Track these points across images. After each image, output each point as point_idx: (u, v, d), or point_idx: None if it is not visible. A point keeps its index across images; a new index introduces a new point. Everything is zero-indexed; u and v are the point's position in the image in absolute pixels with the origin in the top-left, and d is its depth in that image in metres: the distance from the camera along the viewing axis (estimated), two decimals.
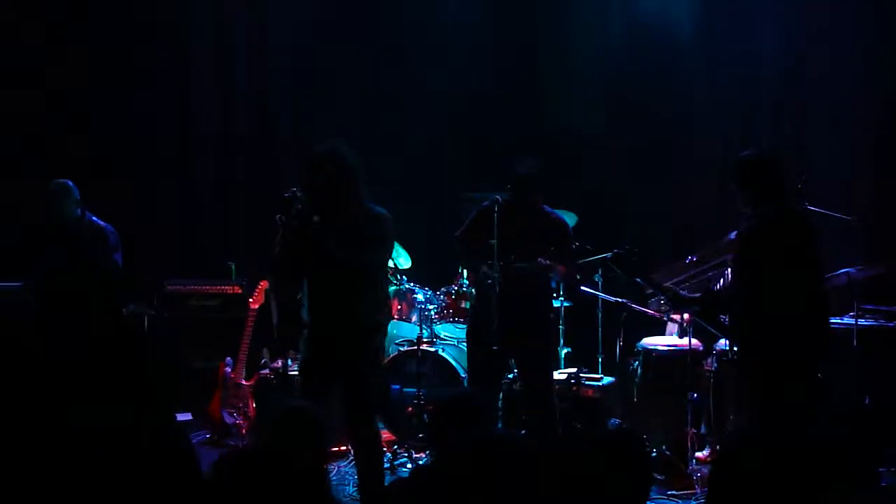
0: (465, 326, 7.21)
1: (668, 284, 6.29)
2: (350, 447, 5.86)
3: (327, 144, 5.58)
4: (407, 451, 7.34)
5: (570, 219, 7.46)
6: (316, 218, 5.46)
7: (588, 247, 6.32)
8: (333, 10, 9.22)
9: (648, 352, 7.26)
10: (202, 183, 9.17)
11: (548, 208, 6.57)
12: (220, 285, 8.05)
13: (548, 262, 6.25)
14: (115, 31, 8.98)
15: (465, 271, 7.74)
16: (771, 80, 8.55)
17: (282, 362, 7.38)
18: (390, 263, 7.86)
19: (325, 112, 9.03)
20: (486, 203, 6.51)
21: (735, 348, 6.06)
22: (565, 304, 7.70)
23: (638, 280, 6.14)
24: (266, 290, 7.51)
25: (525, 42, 9.10)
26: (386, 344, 8.04)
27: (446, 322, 7.83)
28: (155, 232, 8.16)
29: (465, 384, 7.06)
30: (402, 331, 8.10)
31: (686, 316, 6.90)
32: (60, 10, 8.86)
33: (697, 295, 6.05)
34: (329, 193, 5.49)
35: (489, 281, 6.23)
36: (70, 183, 7.13)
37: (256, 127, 9.21)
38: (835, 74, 8.26)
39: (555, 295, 7.58)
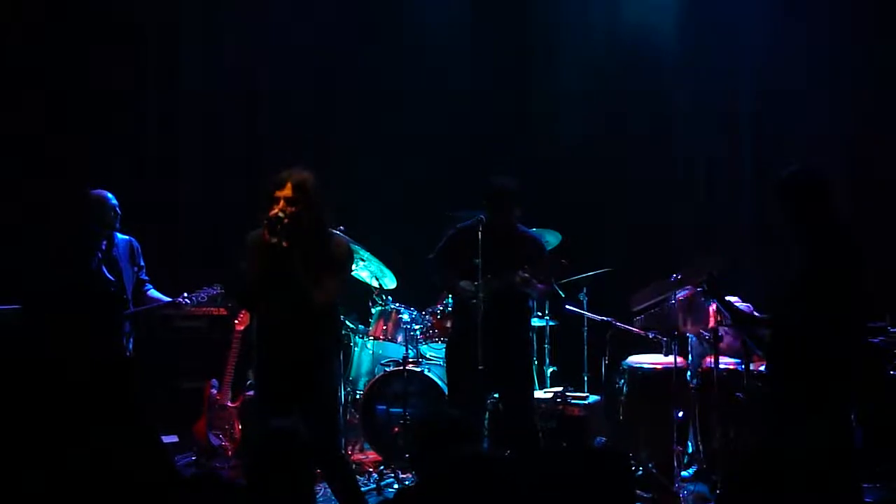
0: None
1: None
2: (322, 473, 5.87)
3: (297, 172, 5.56)
4: (393, 471, 7.32)
5: (554, 238, 7.50)
6: (284, 244, 5.47)
7: (563, 261, 6.32)
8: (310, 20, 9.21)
9: (634, 370, 7.28)
10: (188, 204, 9.15)
11: (523, 228, 6.59)
12: (206, 307, 8.03)
13: (525, 275, 6.24)
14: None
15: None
16: (751, 93, 8.62)
17: None
18: (374, 283, 7.93)
19: (309, 132, 9.07)
20: (463, 224, 6.53)
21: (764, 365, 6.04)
22: (550, 322, 7.74)
23: (725, 300, 6.13)
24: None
25: (509, 60, 9.16)
26: (371, 364, 8.11)
27: (432, 342, 7.82)
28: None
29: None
30: (387, 351, 8.10)
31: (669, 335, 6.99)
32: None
33: (764, 316, 6.03)
34: (298, 221, 5.49)
35: (473, 301, 6.24)
36: (109, 194, 7.06)
37: (245, 150, 9.17)
38: (813, 87, 8.33)
39: (538, 314, 7.63)
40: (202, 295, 7.12)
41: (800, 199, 5.45)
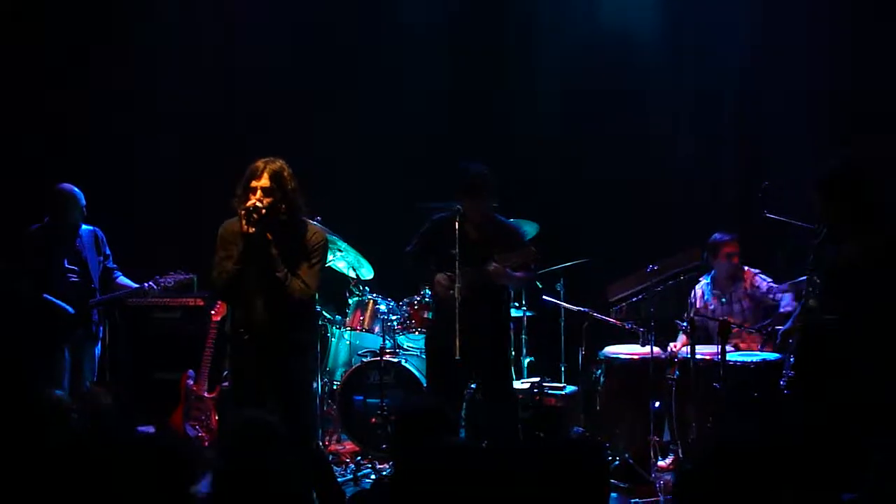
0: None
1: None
2: None
3: (272, 161, 5.58)
4: (370, 462, 7.36)
5: (531, 228, 7.54)
6: (268, 236, 5.51)
7: (532, 248, 6.37)
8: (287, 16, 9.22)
9: (611, 360, 7.32)
10: (164, 193, 9.15)
11: (500, 217, 6.62)
12: (182, 297, 8.05)
13: (497, 265, 6.27)
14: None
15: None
16: (733, 90, 8.62)
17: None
18: (351, 274, 7.95)
19: (286, 123, 9.04)
20: (438, 215, 6.56)
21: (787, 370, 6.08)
22: (528, 313, 7.78)
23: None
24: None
25: (488, 54, 9.14)
26: (348, 354, 8.13)
27: (409, 332, 7.84)
28: (115, 243, 8.13)
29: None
30: (364, 341, 8.13)
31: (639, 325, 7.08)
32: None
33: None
34: (275, 211, 5.51)
35: (451, 292, 6.27)
36: (76, 188, 7.13)
37: (222, 139, 9.14)
38: (796, 82, 8.30)
39: (516, 304, 7.67)
40: (169, 280, 7.17)
41: (845, 195, 5.49)
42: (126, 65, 9.06)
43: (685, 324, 6.92)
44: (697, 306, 7.48)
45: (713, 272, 7.52)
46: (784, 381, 6.01)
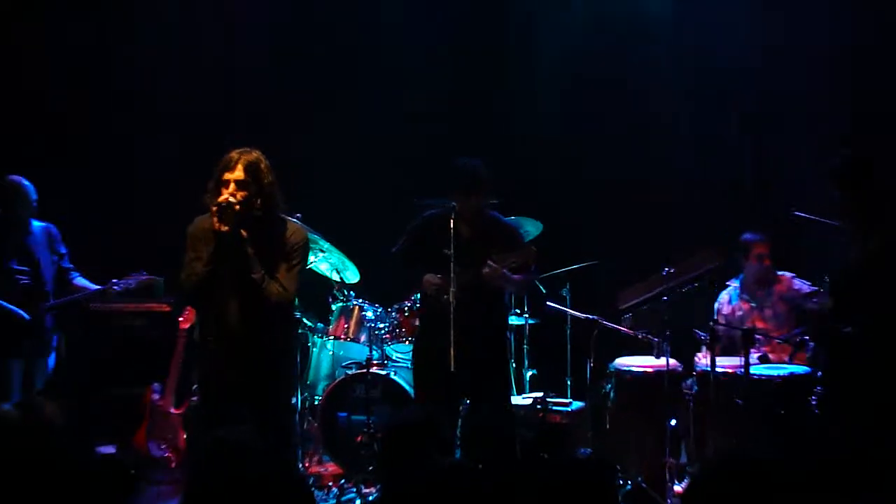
0: None
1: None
2: None
3: (247, 152, 5.50)
4: (355, 485, 7.27)
5: (535, 227, 7.49)
6: (243, 234, 5.42)
7: (532, 248, 6.31)
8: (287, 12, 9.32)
9: (622, 373, 7.28)
10: (130, 194, 9.12)
11: (496, 215, 6.60)
12: (147, 303, 7.97)
13: (494, 265, 6.22)
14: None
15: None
16: (741, 83, 8.67)
17: None
18: (335, 277, 7.89)
19: (268, 118, 9.04)
20: (430, 212, 6.55)
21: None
22: (530, 321, 7.75)
23: None
24: None
25: (489, 51, 9.21)
26: (331, 366, 8.08)
27: (398, 342, 7.81)
28: (74, 243, 8.08)
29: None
30: (349, 352, 8.07)
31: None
32: None
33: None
34: (250, 207, 5.42)
35: (444, 296, 6.21)
36: (25, 180, 7.08)
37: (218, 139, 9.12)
38: (808, 73, 8.36)
39: (517, 311, 7.61)
40: (131, 282, 7.12)
41: (856, 184, 5.65)
42: (128, 65, 9.21)
43: (705, 334, 6.83)
44: (724, 313, 7.49)
45: (741, 276, 7.52)
46: (815, 399, 6.10)
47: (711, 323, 7.07)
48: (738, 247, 7.40)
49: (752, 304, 7.42)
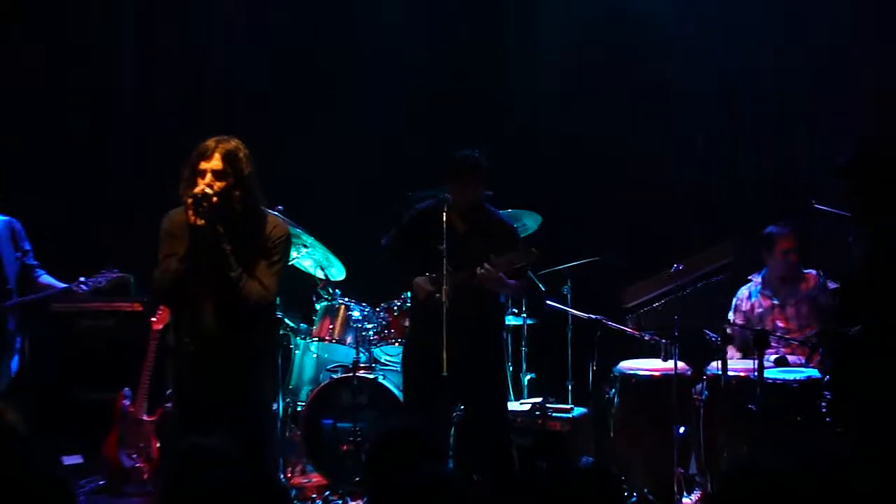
0: None
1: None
2: None
3: (225, 139, 5.46)
4: (341, 497, 7.30)
5: (533, 220, 7.50)
6: (220, 228, 5.39)
7: (533, 249, 6.32)
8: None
9: (627, 377, 7.28)
10: (101, 185, 9.18)
11: (491, 209, 6.60)
12: (117, 302, 7.97)
13: (490, 267, 6.22)
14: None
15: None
16: (756, 72, 8.73)
17: None
18: (319, 274, 7.89)
19: (252, 111, 9.10)
20: (423, 204, 6.55)
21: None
22: (528, 321, 7.76)
23: None
24: None
25: (484, 18, 9.24)
26: (315, 370, 8.08)
27: (387, 344, 7.79)
28: (40, 238, 8.11)
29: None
30: (334, 354, 8.05)
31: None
32: None
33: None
34: (228, 198, 5.40)
35: (437, 295, 6.21)
36: None
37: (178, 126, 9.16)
38: (831, 66, 8.42)
39: (514, 311, 7.61)
40: (100, 279, 7.11)
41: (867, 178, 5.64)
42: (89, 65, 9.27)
43: (716, 336, 6.82)
44: (743, 309, 7.50)
45: (764, 271, 7.49)
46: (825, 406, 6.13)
47: (727, 320, 7.09)
48: (762, 240, 7.37)
49: (774, 301, 7.40)
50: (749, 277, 7.56)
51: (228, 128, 5.67)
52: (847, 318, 5.69)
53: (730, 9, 8.68)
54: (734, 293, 7.61)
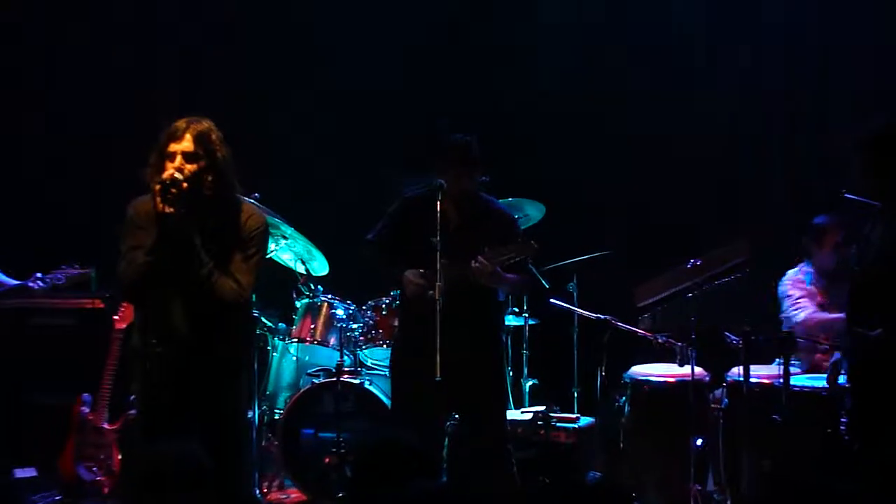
0: None
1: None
2: None
3: (197, 120, 5.44)
4: None
5: (537, 209, 7.49)
6: (182, 214, 5.34)
7: (532, 242, 6.31)
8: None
9: (639, 384, 7.32)
10: (59, 171, 9.19)
11: (488, 198, 6.62)
12: (76, 298, 7.97)
13: (484, 261, 6.22)
14: None
15: None
16: (781, 59, 8.76)
17: None
18: (300, 269, 7.89)
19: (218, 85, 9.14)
20: (414, 191, 6.56)
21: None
22: (530, 321, 7.76)
23: None
24: None
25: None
26: (295, 374, 8.09)
27: (375, 346, 7.82)
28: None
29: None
30: (316, 357, 8.11)
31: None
32: None
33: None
34: (200, 184, 5.37)
35: (430, 292, 6.20)
36: None
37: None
38: (856, 57, 8.48)
39: (515, 310, 7.62)
40: (58, 276, 7.14)
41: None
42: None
43: (738, 339, 6.81)
44: (797, 297, 7.31)
45: (807, 262, 7.40)
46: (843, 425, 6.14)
47: (790, 313, 7.02)
48: (810, 231, 7.25)
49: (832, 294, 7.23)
50: (798, 265, 7.42)
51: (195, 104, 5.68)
52: (861, 314, 5.63)
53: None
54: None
